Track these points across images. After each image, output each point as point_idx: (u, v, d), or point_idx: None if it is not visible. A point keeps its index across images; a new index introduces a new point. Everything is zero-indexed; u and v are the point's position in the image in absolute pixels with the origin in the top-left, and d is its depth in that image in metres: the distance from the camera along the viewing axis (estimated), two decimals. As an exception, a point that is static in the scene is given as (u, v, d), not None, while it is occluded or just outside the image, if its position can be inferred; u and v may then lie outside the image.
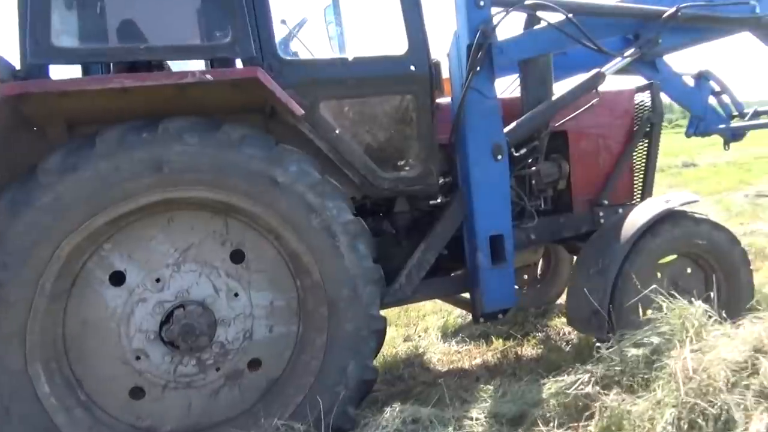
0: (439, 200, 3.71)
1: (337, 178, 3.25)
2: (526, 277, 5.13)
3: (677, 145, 14.95)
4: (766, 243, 6.59)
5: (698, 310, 2.41)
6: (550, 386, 2.50)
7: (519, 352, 4.18)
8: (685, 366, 2.00)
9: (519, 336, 4.39)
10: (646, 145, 4.40)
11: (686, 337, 2.23)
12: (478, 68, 3.41)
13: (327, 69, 3.19)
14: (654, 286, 3.51)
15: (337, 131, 3.19)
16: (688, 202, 3.63)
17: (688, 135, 5.76)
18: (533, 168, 3.97)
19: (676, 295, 2.70)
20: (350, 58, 3.19)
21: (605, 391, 2.26)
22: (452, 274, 3.82)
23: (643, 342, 2.42)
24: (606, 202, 4.19)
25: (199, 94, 2.82)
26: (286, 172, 2.78)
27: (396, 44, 3.32)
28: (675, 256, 3.68)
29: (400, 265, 3.47)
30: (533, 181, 4.07)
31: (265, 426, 2.67)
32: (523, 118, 3.72)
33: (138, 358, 2.78)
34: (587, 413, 2.26)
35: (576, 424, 2.25)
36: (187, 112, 2.76)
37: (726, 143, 5.74)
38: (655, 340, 2.37)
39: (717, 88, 5.54)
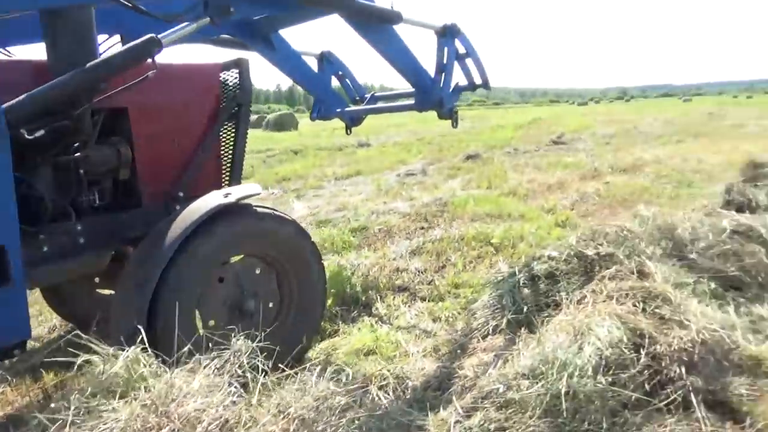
0: None
1: None
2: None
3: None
4: (395, 221, 7.04)
5: (130, 358, 1.89)
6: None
7: (71, 386, 3.32)
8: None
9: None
10: (233, 128, 3.93)
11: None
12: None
13: None
14: (212, 295, 3.12)
15: None
16: (250, 195, 3.24)
17: (312, 119, 5.60)
18: (79, 154, 3.13)
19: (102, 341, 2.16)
20: None
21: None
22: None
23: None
24: (182, 194, 3.59)
25: None
26: None
27: None
28: (242, 256, 3.28)
29: None
30: (81, 171, 3.22)
31: None
32: (37, 89, 2.81)
33: None
34: None
35: None
36: None
37: (347, 127, 5.78)
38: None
39: (340, 71, 5.50)
